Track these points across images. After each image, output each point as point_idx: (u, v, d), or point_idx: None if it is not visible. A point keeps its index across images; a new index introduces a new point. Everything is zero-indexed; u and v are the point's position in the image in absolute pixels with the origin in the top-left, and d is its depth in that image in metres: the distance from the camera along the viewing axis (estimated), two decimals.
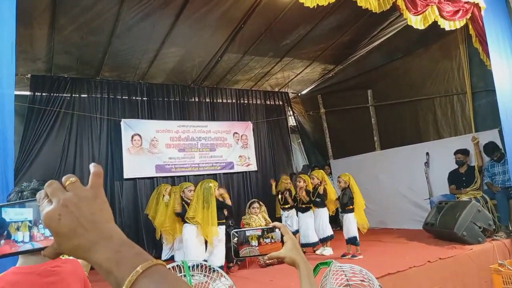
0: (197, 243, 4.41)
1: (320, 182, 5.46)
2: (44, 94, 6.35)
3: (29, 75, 6.26)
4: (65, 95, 6.54)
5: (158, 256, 5.59)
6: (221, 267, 4.21)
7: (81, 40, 5.51)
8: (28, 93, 6.24)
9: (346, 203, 5.08)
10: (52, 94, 6.40)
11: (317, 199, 5.40)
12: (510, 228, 5.04)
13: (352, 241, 4.94)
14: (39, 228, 0.60)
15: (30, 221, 0.59)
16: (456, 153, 5.86)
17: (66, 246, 0.52)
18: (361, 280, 1.55)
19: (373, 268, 3.76)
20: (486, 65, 5.18)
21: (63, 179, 0.55)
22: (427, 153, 6.60)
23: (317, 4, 4.04)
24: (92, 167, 0.58)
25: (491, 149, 5.45)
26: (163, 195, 5.59)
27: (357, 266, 1.60)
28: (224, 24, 5.70)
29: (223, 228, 4.50)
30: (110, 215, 0.55)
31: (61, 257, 1.27)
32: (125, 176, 6.66)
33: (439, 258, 4.08)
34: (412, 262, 3.95)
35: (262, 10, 5.41)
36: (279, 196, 6.07)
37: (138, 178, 6.83)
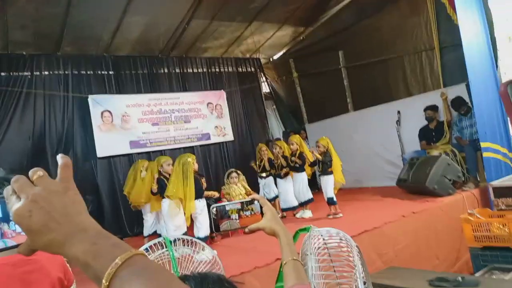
0: (177, 216, 4.41)
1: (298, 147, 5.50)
2: (2, 74, 5.99)
3: None
4: (25, 73, 6.17)
5: (140, 232, 5.59)
6: (206, 238, 4.27)
7: (37, 12, 5.15)
8: None
9: (327, 165, 5.17)
10: (11, 74, 6.04)
11: (296, 164, 5.45)
12: (478, 179, 5.29)
13: (330, 201, 5.08)
14: (10, 225, 0.57)
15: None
16: (425, 109, 6.01)
17: (39, 242, 0.50)
18: (338, 242, 1.60)
19: (350, 227, 3.91)
20: (453, 19, 5.22)
21: (30, 173, 0.52)
22: (398, 112, 6.74)
23: None
24: (60, 158, 0.55)
25: (458, 103, 5.61)
26: (141, 171, 5.47)
27: (334, 229, 1.64)
28: None
29: (203, 200, 4.50)
30: (83, 207, 0.54)
31: None
32: (98, 155, 6.46)
33: (412, 212, 4.27)
34: (387, 218, 4.11)
35: None
36: (256, 165, 6.05)
37: (113, 156, 6.65)
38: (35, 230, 0.49)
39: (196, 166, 4.58)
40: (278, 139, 7.67)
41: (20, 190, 0.51)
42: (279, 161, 5.61)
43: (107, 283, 0.46)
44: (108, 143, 6.57)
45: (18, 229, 0.56)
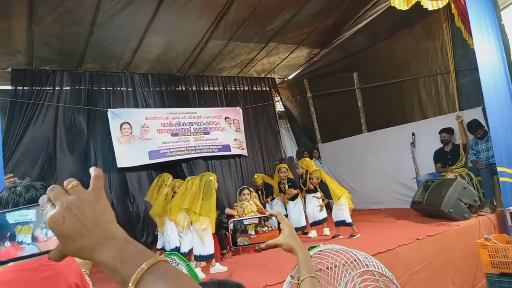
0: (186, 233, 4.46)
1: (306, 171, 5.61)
2: (26, 88, 6.22)
3: (9, 69, 6.11)
4: (47, 88, 6.40)
5: (152, 242, 5.62)
6: (211, 256, 4.21)
7: (61, 31, 5.37)
8: (9, 87, 6.11)
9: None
10: (34, 88, 6.27)
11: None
12: (495, 203, 5.19)
13: (340, 224, 5.08)
14: (42, 229, 0.61)
15: (33, 223, 0.59)
16: (441, 132, 5.96)
17: (71, 247, 0.53)
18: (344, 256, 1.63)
19: (364, 248, 3.84)
20: (469, 44, 5.23)
21: (65, 183, 0.57)
22: (413, 133, 6.70)
23: None
24: (93, 170, 0.60)
25: (474, 127, 5.56)
26: (165, 184, 5.48)
27: (339, 246, 1.66)
28: (208, 10, 5.63)
29: (207, 219, 4.49)
30: (112, 216, 0.57)
31: None
32: (118, 165, 6.55)
33: (427, 235, 4.19)
34: (401, 240, 4.04)
35: None
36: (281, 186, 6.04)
37: (131, 168, 6.71)
38: (67, 236, 0.53)
39: (216, 185, 4.64)
40: (291, 158, 7.71)
41: (55, 198, 0.55)
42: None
43: (134, 286, 0.49)
44: (127, 154, 6.62)
45: (50, 233, 0.59)
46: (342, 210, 5.08)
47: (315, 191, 5.52)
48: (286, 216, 5.64)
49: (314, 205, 5.49)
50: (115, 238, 0.54)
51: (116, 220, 0.57)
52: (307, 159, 6.13)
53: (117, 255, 0.52)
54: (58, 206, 0.54)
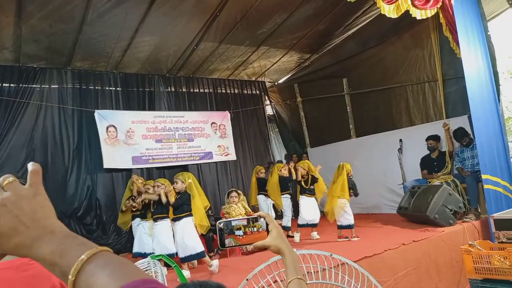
0: (170, 235, 4.46)
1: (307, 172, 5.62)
2: (12, 85, 6.09)
3: None
4: (34, 86, 6.29)
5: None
6: (201, 254, 4.24)
7: (50, 28, 5.29)
8: None
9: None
10: (20, 85, 6.14)
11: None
12: (479, 210, 5.28)
13: (343, 227, 5.12)
14: None
15: None
16: (427, 139, 6.05)
17: (8, 245, 0.52)
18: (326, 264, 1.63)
19: (350, 252, 3.88)
20: (456, 53, 5.33)
21: (0, 179, 0.55)
22: (400, 140, 6.79)
23: None
24: (30, 165, 0.58)
25: (460, 134, 5.66)
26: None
27: (324, 252, 1.67)
28: (200, 11, 5.61)
29: (191, 218, 4.50)
30: (52, 211, 0.56)
31: None
32: (104, 166, 6.50)
33: (413, 240, 4.24)
34: (388, 245, 4.08)
35: None
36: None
37: (115, 170, 6.68)
38: (2, 233, 0.51)
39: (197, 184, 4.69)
40: (280, 161, 7.72)
41: None
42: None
43: (73, 278, 0.48)
44: (112, 156, 6.61)
45: None
46: (347, 212, 5.09)
47: (313, 192, 5.52)
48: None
49: (308, 206, 5.47)
50: (53, 233, 0.53)
51: (56, 216, 0.55)
52: (307, 161, 6.13)
53: (56, 248, 0.51)
54: None
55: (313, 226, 5.43)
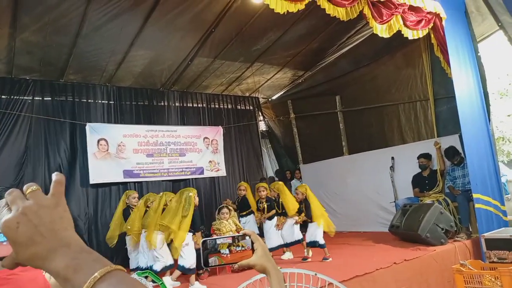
0: (167, 249, 4.49)
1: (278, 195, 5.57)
2: (3, 96, 6.05)
3: None
4: (26, 98, 6.25)
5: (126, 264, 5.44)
6: (192, 270, 4.30)
7: (45, 40, 5.29)
8: None
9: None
10: (12, 97, 6.11)
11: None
12: (471, 229, 5.28)
13: (312, 244, 5.04)
14: None
15: None
16: (419, 157, 6.08)
17: (24, 255, 0.51)
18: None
19: (341, 271, 3.83)
20: (447, 73, 5.42)
21: (24, 187, 0.54)
22: (392, 158, 6.81)
23: (287, 11, 4.09)
24: (54, 175, 0.57)
25: (451, 153, 5.69)
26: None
27: (308, 271, 1.64)
28: (195, 27, 5.66)
29: (190, 234, 4.49)
30: (70, 223, 0.55)
31: None
32: (91, 181, 6.42)
33: (404, 259, 4.21)
34: (379, 264, 4.04)
35: (233, 15, 5.41)
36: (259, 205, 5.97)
37: (105, 184, 6.61)
38: (20, 242, 0.50)
39: (196, 200, 4.66)
40: (272, 178, 7.70)
41: (12, 202, 0.52)
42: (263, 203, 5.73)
43: None
44: (102, 170, 6.55)
45: (1, 238, 0.57)
46: (317, 230, 5.04)
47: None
48: (262, 236, 5.58)
49: (289, 225, 5.41)
50: (69, 246, 0.51)
51: (74, 228, 0.54)
52: (280, 182, 6.06)
53: (70, 263, 0.49)
54: (14, 210, 0.51)
55: (287, 246, 5.40)
